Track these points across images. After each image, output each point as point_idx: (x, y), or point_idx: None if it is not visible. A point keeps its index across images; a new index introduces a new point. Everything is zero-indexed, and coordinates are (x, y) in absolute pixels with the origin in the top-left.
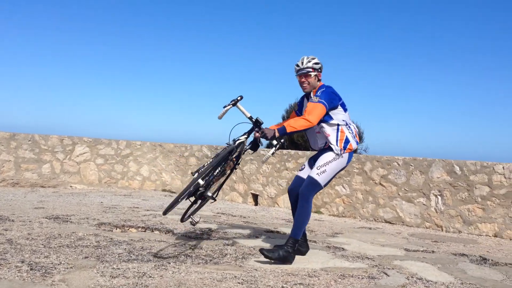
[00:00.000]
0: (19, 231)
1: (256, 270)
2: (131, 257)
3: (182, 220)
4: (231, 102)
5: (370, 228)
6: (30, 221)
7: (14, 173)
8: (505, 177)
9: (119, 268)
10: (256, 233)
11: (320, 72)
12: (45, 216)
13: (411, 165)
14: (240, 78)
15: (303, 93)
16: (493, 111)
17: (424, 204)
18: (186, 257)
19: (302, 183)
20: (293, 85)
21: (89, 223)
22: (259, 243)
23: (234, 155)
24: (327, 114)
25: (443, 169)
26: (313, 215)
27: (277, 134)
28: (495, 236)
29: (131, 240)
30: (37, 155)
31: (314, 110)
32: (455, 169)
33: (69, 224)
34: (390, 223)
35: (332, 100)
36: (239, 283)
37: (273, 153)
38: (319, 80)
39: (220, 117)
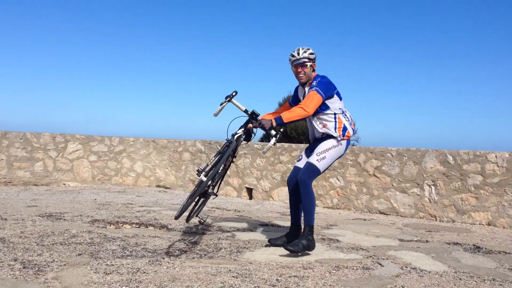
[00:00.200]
0: (12, 229)
1: (250, 263)
2: (125, 253)
3: (187, 220)
4: (226, 98)
5: (364, 220)
6: (23, 220)
7: (7, 171)
8: (497, 166)
9: (113, 265)
10: (250, 227)
11: (315, 62)
12: (38, 214)
13: (405, 156)
14: (232, 74)
15: (297, 84)
16: (485, 100)
17: (417, 195)
18: (181, 252)
19: None
20: (286, 77)
21: (82, 220)
22: (254, 236)
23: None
24: (323, 103)
25: (437, 159)
26: None
27: (274, 124)
28: (489, 224)
29: (125, 236)
30: (29, 153)
31: (311, 100)
32: (448, 158)
33: (63, 221)
34: (384, 214)
35: (328, 89)
36: (233, 276)
37: (274, 143)
38: (313, 70)
39: (216, 114)
